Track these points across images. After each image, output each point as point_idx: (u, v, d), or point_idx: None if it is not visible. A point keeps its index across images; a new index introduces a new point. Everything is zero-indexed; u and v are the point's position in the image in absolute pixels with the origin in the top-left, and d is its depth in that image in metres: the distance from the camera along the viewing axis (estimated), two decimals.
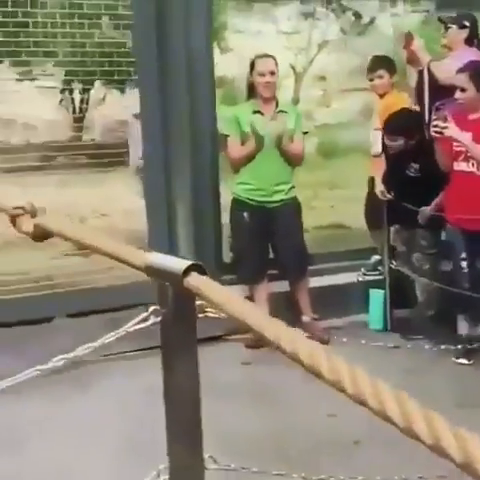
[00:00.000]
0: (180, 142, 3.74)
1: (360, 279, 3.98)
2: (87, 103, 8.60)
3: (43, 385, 3.16)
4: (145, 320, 1.76)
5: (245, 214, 3.65)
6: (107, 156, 5.06)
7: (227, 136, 3.65)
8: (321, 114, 9.58)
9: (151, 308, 1.73)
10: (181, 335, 1.68)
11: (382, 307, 3.84)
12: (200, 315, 1.83)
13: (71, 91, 8.12)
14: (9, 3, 3.53)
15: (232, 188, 3.71)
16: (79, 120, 8.15)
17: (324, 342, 3.42)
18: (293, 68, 9.36)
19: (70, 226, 2.37)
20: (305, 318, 3.70)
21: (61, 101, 8.49)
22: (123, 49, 3.97)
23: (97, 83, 8.04)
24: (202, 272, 1.64)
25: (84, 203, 6.55)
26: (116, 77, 3.95)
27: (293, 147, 3.64)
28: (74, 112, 8.42)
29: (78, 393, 3.12)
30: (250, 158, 3.60)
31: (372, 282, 3.93)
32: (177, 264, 1.66)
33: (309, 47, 9.41)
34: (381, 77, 4.00)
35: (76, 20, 3.75)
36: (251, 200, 3.65)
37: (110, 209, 6.51)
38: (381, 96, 4.05)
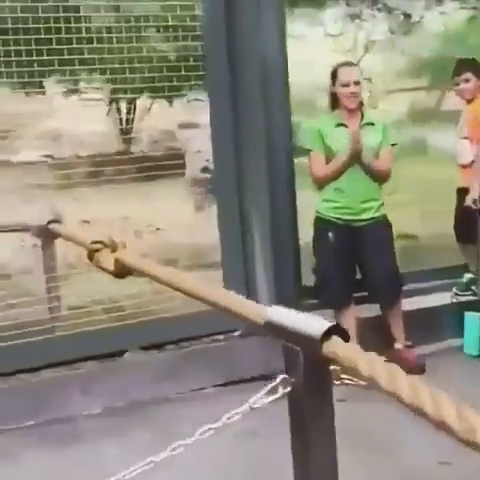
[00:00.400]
0: (253, 154, 3.40)
1: (454, 300, 3.60)
2: (134, 114, 8.33)
3: (120, 432, 2.83)
4: (272, 391, 1.43)
5: (330, 234, 3.31)
6: (158, 167, 4.78)
7: (309, 151, 3.31)
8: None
9: (279, 378, 1.40)
10: (316, 408, 1.35)
11: (478, 330, 3.44)
12: (336, 383, 1.49)
13: (118, 103, 7.89)
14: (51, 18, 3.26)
15: (316, 206, 3.36)
16: (127, 132, 7.89)
17: (420, 372, 3.06)
18: None
19: (161, 267, 2.01)
20: (397, 345, 3.33)
21: (108, 113, 8.21)
22: (172, 61, 3.70)
23: (144, 94, 7.79)
24: (344, 335, 1.28)
25: (137, 217, 6.25)
26: (164, 91, 3.66)
27: (379, 163, 3.29)
28: (121, 124, 8.16)
29: (160, 440, 2.78)
30: (338, 175, 3.25)
31: (466, 304, 3.54)
32: (310, 324, 1.32)
33: (355, 49, 9.02)
34: (467, 81, 3.64)
35: (117, 34, 3.46)
36: (337, 219, 3.30)
37: (165, 223, 6.19)
38: (469, 101, 3.68)
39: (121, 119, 8.32)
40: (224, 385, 3.09)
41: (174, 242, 5.61)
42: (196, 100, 7.77)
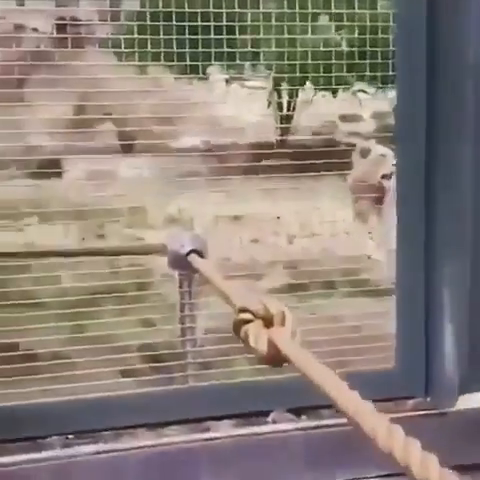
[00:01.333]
0: (451, 165, 2.54)
1: None
2: (295, 104, 7.67)
3: None
4: None
5: None
6: (317, 162, 4.05)
7: None
8: None
9: None
10: None
11: None
12: None
13: (279, 92, 7.28)
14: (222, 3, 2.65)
15: None
16: (287, 122, 7.27)
17: None
18: None
19: (327, 373, 1.27)
20: None
21: (269, 103, 7.58)
22: (342, 48, 3.04)
23: (308, 84, 7.14)
24: None
25: (291, 216, 5.55)
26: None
27: None
28: (281, 113, 7.52)
29: None
30: None
31: None
32: None
33: None
34: None
35: (284, 22, 2.79)
36: None
37: (322, 227, 5.42)
38: None
39: (282, 108, 7.69)
40: (388, 476, 2.29)
41: (329, 252, 4.84)
42: (361, 91, 6.95)
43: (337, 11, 2.85)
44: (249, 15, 2.81)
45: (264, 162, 5.36)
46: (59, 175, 5.21)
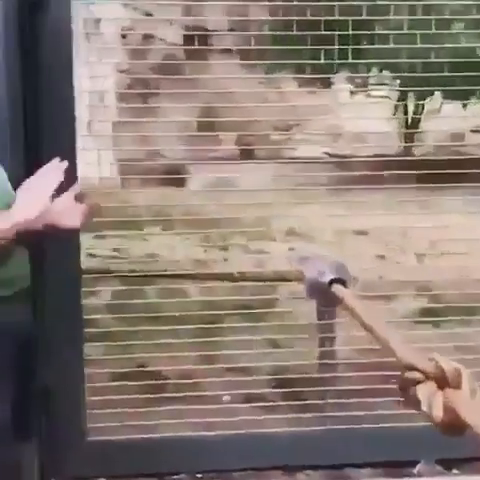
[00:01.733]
0: None
1: None
2: (421, 114, 7.27)
3: None
4: None
5: None
6: (445, 176, 3.69)
7: None
8: None
9: None
10: None
11: None
12: None
13: (405, 102, 6.92)
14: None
15: None
16: (411, 133, 6.90)
17: None
18: None
19: None
20: None
21: (395, 113, 7.22)
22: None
23: (435, 94, 6.76)
24: None
25: (417, 233, 5.16)
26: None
27: None
28: (406, 124, 7.14)
29: None
30: None
31: None
32: None
33: None
34: None
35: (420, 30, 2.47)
36: None
37: (453, 246, 5.00)
38: None
39: (407, 119, 7.31)
40: None
41: (463, 273, 4.40)
42: None
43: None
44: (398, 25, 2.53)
45: (388, 175, 5.02)
46: (182, 184, 5.13)
